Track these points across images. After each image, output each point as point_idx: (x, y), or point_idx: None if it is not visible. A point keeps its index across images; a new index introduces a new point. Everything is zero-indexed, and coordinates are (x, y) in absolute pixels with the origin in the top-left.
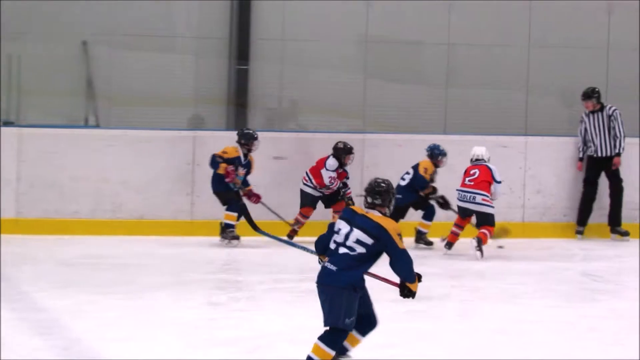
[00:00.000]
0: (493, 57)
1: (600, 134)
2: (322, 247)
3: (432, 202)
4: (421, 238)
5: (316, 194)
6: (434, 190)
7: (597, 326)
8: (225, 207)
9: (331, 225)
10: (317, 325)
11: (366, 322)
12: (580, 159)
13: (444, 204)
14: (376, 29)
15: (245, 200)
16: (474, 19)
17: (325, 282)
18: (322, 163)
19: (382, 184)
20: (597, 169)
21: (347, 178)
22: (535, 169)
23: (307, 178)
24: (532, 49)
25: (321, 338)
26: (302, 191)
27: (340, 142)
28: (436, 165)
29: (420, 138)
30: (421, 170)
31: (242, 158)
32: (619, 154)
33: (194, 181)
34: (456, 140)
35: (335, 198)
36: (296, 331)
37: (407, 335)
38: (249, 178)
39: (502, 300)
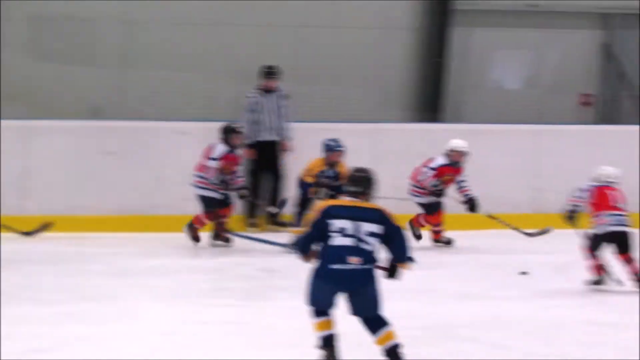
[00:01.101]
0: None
1: (275, 116)
2: (306, 247)
3: None
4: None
5: (219, 196)
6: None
7: (274, 325)
8: None
9: (316, 224)
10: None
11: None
12: (251, 145)
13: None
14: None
15: None
16: None
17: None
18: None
19: (363, 172)
20: (268, 153)
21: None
22: None
23: (200, 179)
24: (215, 27)
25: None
26: (202, 197)
27: (225, 122)
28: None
29: (94, 125)
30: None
31: None
32: (289, 138)
33: None
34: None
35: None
36: None
37: (63, 339)
38: None
39: (174, 300)
